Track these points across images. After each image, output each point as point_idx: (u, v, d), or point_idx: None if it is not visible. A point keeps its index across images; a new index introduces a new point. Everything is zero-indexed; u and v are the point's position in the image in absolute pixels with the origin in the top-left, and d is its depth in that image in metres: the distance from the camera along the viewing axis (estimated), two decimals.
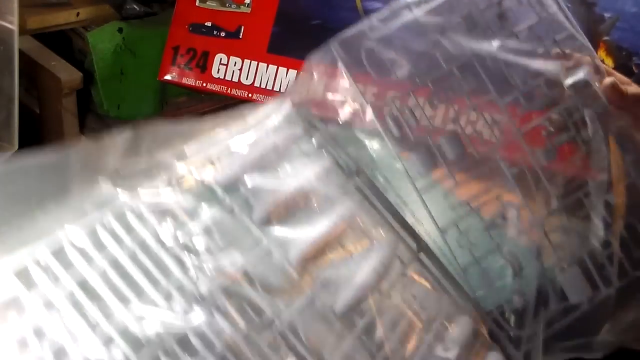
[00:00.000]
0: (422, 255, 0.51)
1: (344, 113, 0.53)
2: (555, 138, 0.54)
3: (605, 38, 0.75)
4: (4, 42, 0.69)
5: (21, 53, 0.73)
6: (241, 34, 0.84)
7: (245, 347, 0.39)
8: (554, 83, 0.54)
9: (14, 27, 0.69)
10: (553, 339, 0.51)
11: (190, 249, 0.41)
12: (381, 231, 0.50)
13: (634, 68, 0.74)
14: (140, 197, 0.42)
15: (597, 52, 0.75)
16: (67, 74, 0.84)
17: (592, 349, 0.51)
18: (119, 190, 0.42)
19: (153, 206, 0.42)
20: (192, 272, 0.40)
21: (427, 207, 0.52)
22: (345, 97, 0.53)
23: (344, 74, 0.53)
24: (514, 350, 0.51)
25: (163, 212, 0.42)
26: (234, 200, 0.45)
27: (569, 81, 0.54)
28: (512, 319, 0.52)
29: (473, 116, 0.54)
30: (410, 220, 0.52)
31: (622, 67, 0.74)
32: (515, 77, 0.53)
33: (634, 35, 0.75)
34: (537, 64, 0.54)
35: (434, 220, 0.52)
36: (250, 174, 0.47)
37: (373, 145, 0.54)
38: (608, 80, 0.54)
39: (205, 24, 0.85)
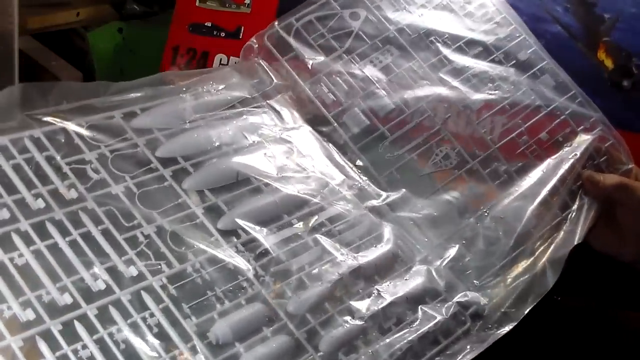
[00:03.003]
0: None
1: None
2: None
3: (605, 38, 0.75)
4: (4, 42, 0.69)
5: (21, 53, 0.73)
6: (241, 34, 0.84)
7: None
8: None
9: (14, 27, 0.69)
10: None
11: None
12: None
13: (633, 69, 0.74)
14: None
15: (597, 53, 0.75)
16: (67, 74, 0.84)
17: None
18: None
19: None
20: None
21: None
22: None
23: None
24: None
25: None
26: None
27: None
28: None
29: None
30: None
31: (622, 67, 0.74)
32: None
33: (634, 36, 0.75)
34: None
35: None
36: None
37: None
38: (585, 172, 0.60)
39: (205, 24, 0.85)
